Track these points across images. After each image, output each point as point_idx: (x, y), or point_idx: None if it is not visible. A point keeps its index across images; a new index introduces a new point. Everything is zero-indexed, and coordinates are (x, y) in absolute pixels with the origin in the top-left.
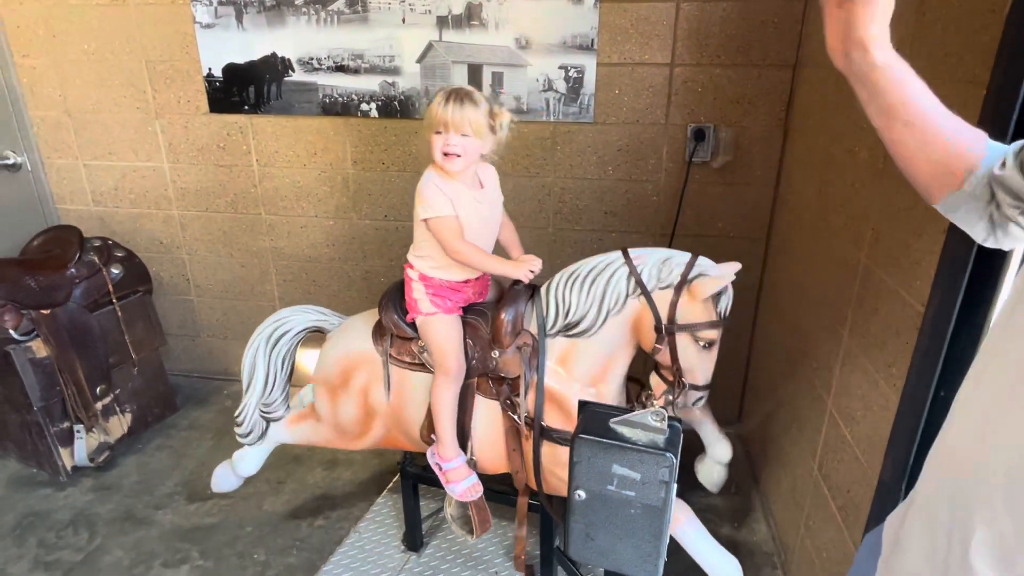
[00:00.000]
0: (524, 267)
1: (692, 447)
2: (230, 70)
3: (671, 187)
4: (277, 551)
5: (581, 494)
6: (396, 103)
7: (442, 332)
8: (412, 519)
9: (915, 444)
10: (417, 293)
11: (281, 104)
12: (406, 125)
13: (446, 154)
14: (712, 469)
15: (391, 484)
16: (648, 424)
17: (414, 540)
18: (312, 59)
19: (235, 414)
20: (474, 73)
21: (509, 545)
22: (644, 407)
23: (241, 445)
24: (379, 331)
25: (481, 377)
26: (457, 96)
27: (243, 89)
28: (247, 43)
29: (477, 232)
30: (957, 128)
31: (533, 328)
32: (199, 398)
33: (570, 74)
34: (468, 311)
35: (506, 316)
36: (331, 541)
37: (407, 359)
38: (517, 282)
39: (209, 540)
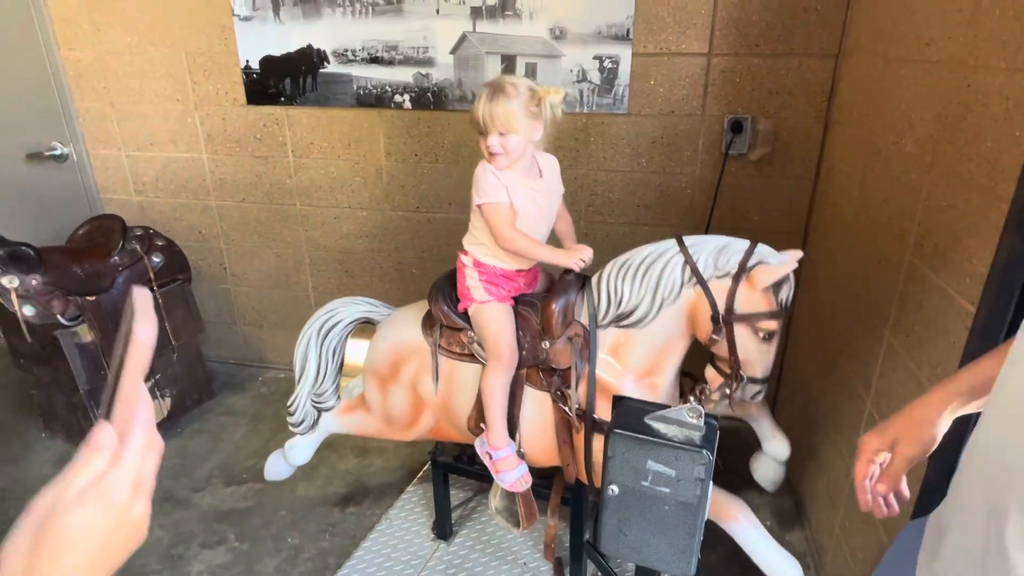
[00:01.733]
0: (575, 255)
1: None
2: (267, 62)
3: (706, 180)
4: (310, 535)
5: (615, 489)
6: (429, 94)
7: (496, 320)
8: (442, 508)
9: (963, 445)
10: (471, 280)
11: (316, 96)
12: (439, 116)
13: (491, 154)
14: (769, 467)
15: (421, 473)
16: (684, 420)
17: (444, 529)
18: (347, 51)
19: (288, 404)
20: (507, 64)
21: (538, 537)
22: (700, 401)
23: (289, 434)
24: (428, 321)
25: (531, 368)
26: (491, 92)
27: (280, 81)
28: (284, 35)
29: (532, 221)
30: None
31: (584, 318)
32: (235, 384)
33: (605, 64)
34: (518, 301)
35: (557, 306)
36: (363, 527)
37: (456, 349)
38: (568, 272)
39: (245, 523)
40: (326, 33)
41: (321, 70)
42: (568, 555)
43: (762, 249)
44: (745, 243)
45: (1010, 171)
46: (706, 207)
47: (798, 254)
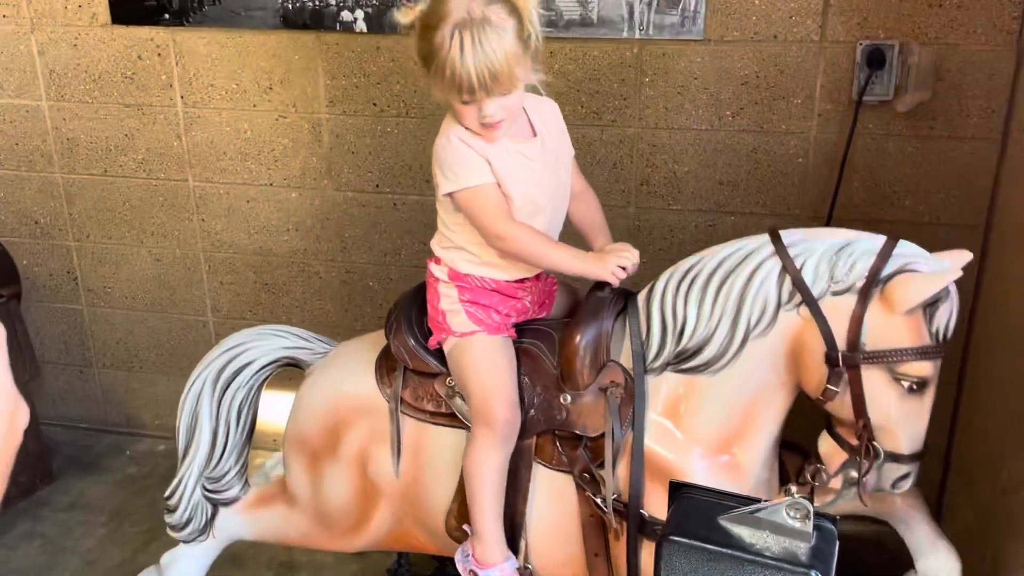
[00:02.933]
0: (610, 261)
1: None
2: None
3: (828, 143)
4: None
5: None
6: (396, 10)
7: (485, 361)
8: None
9: None
10: (447, 302)
11: (219, 11)
12: (411, 44)
13: (486, 126)
14: None
15: None
16: (782, 523)
17: None
18: None
19: (166, 494)
20: None
21: None
22: (810, 490)
23: (169, 542)
24: (386, 364)
25: (544, 436)
26: (473, 32)
27: None
28: None
29: (533, 204)
30: None
31: (626, 359)
32: (87, 461)
33: None
34: (523, 331)
35: (583, 339)
36: None
37: (429, 407)
38: (600, 286)
39: None
40: None
41: None
42: None
43: (906, 249)
44: (879, 240)
45: None
46: (828, 184)
47: (966, 256)
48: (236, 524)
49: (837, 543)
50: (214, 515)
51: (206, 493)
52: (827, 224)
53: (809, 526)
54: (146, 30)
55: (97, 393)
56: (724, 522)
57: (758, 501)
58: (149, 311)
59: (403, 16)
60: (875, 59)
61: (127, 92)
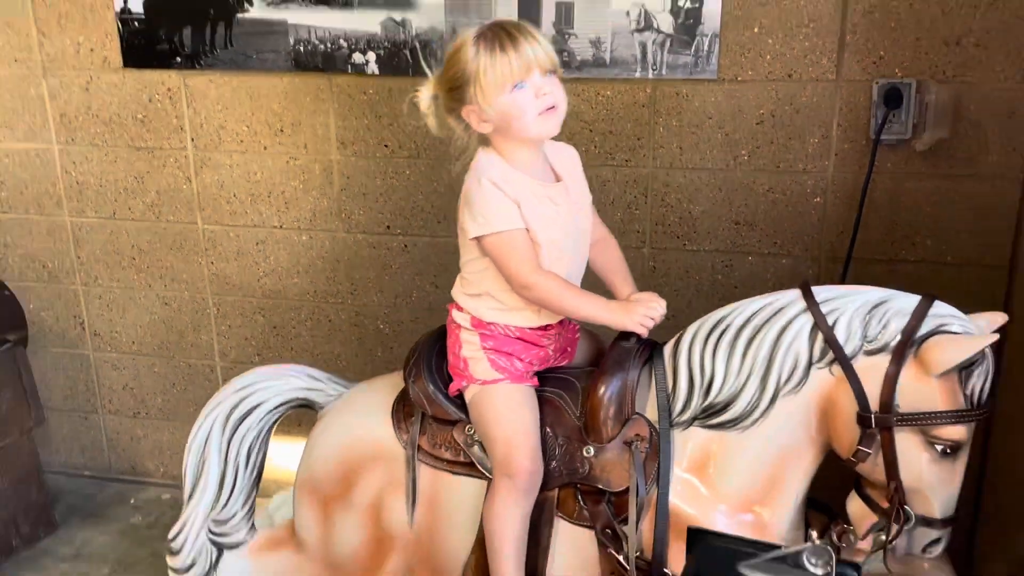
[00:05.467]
0: (638, 311)
1: None
2: (155, 4)
3: (846, 183)
4: None
5: None
6: (406, 52)
7: (508, 410)
8: None
9: None
10: (469, 349)
11: (231, 55)
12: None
13: (546, 109)
14: None
15: None
16: (804, 570)
17: None
18: None
19: (170, 535)
20: (527, 6)
21: None
22: (837, 547)
23: None
24: (402, 409)
25: (566, 489)
26: (497, 28)
27: (174, 32)
28: None
29: (559, 250)
30: None
31: (651, 412)
32: (91, 510)
33: (680, 4)
34: (545, 380)
35: (608, 390)
36: None
37: (447, 455)
38: (625, 335)
39: None
40: None
41: (240, 15)
42: None
43: (942, 310)
44: (914, 299)
45: None
46: (847, 224)
47: (1002, 318)
48: (242, 569)
49: None
50: (219, 559)
51: (211, 536)
52: (846, 264)
53: (832, 573)
54: (158, 73)
55: (102, 440)
56: (745, 569)
57: (778, 548)
58: (156, 355)
59: (424, 94)
60: (892, 98)
61: (138, 135)
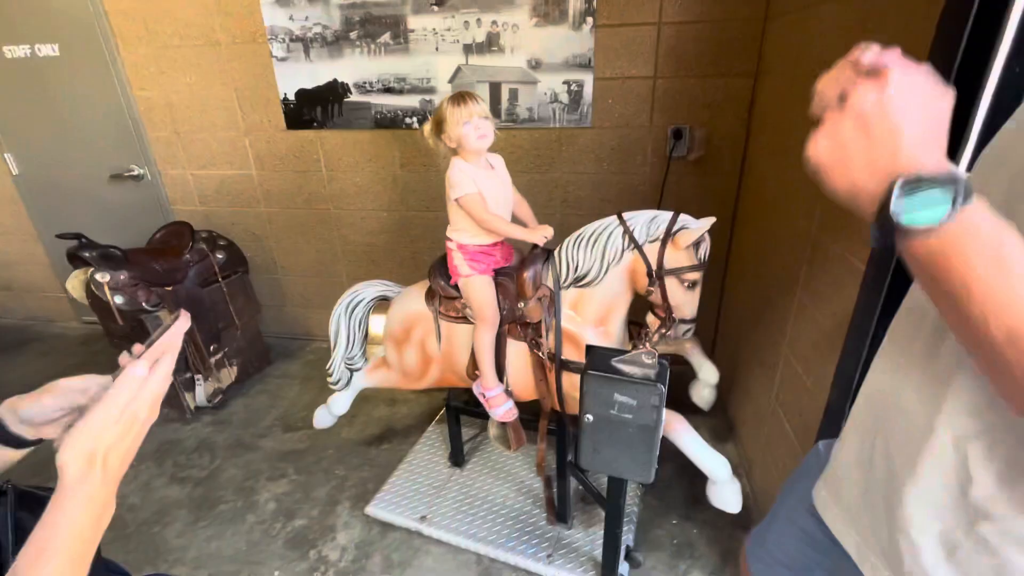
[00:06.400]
0: (540, 232)
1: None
2: (302, 94)
3: (655, 178)
4: (353, 467)
5: (589, 417)
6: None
7: (480, 289)
8: (455, 442)
9: (857, 373)
10: (457, 260)
11: (343, 120)
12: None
13: (480, 137)
14: (702, 390)
15: (438, 416)
16: (642, 361)
17: (457, 458)
18: (365, 83)
19: (326, 367)
20: (494, 90)
21: (531, 461)
22: (644, 342)
23: (330, 392)
24: (430, 294)
25: (511, 324)
26: (465, 95)
27: (312, 109)
28: (314, 72)
29: (497, 203)
30: None
31: (550, 282)
32: (288, 354)
33: (572, 88)
34: (498, 273)
35: (528, 274)
36: (395, 460)
37: (453, 314)
38: (535, 247)
39: (301, 460)
40: (348, 69)
41: (345, 99)
42: (555, 472)
43: (683, 217)
44: (670, 213)
45: None
46: (656, 200)
47: (712, 219)
48: (362, 380)
49: (668, 371)
50: (351, 377)
51: (346, 366)
52: None
53: (655, 363)
54: (304, 132)
55: (290, 319)
56: (614, 362)
57: (630, 352)
58: (313, 277)
59: (426, 128)
60: (677, 135)
61: (296, 164)
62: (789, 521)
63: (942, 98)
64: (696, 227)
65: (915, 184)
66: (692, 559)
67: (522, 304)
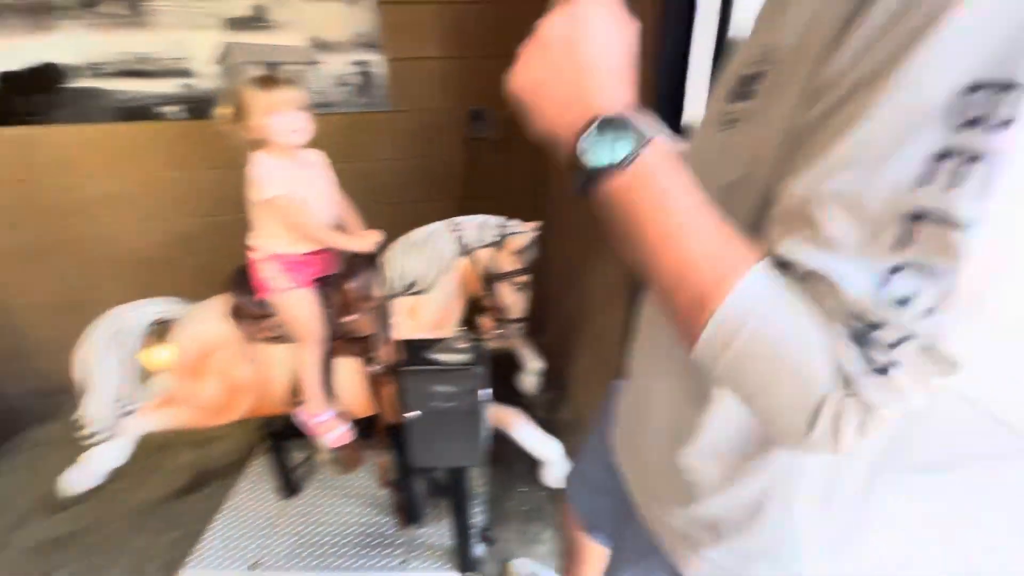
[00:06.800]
0: (369, 240)
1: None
2: (9, 78)
3: (459, 160)
4: (156, 532)
5: (413, 415)
6: (202, 104)
7: (299, 305)
8: (283, 470)
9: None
10: (269, 272)
11: (71, 112)
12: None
13: (295, 131)
14: (529, 379)
15: (260, 446)
16: (455, 347)
17: (288, 488)
18: (95, 64)
19: (77, 417)
20: (273, 72)
21: (371, 470)
22: (479, 335)
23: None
24: (237, 313)
25: (338, 340)
26: (273, 78)
27: (27, 99)
28: (15, 49)
29: (317, 206)
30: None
31: (378, 291)
32: (41, 415)
33: (363, 69)
34: (320, 283)
35: (354, 284)
36: (212, 508)
37: (266, 334)
38: (359, 254)
39: (82, 543)
40: (66, 46)
41: (70, 84)
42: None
43: (512, 224)
44: (500, 218)
45: None
46: (460, 181)
47: (537, 224)
48: (142, 423)
49: (486, 351)
50: (119, 423)
51: (120, 412)
52: (461, 198)
53: (468, 347)
54: (18, 129)
55: (37, 372)
56: (428, 354)
57: (442, 340)
58: (66, 313)
59: (221, 113)
60: (477, 116)
61: (14, 172)
62: (597, 450)
63: (627, 29)
64: (523, 232)
65: (604, 125)
66: (542, 520)
67: (350, 317)
